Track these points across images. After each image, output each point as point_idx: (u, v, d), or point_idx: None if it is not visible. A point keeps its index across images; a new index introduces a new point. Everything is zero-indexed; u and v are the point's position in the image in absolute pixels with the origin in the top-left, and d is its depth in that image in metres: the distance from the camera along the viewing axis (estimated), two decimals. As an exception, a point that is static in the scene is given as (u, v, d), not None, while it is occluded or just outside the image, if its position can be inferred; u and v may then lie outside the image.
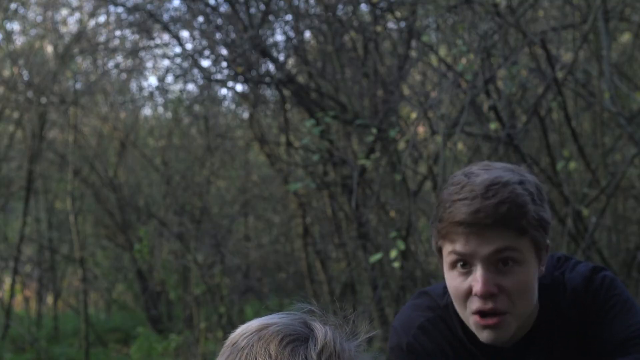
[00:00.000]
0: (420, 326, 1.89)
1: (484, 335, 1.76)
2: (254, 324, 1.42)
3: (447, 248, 1.77)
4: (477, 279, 1.72)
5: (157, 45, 9.95)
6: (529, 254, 1.75)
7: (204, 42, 7.22)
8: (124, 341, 11.79)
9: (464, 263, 1.75)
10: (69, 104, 10.63)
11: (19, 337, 11.44)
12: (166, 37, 9.50)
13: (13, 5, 10.85)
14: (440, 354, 1.88)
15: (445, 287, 1.90)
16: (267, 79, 6.56)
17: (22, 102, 10.82)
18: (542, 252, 1.79)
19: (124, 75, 11.89)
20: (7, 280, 12.62)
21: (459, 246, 1.74)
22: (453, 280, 1.78)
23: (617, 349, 1.78)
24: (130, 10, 8.23)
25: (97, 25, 10.73)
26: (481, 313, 1.74)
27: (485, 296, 1.72)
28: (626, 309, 1.82)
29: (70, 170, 10.95)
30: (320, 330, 1.42)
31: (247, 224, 10.69)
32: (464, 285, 1.75)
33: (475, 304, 1.74)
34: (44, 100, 10.69)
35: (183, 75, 9.04)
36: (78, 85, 11.12)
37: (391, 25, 6.62)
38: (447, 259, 1.78)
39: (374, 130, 5.53)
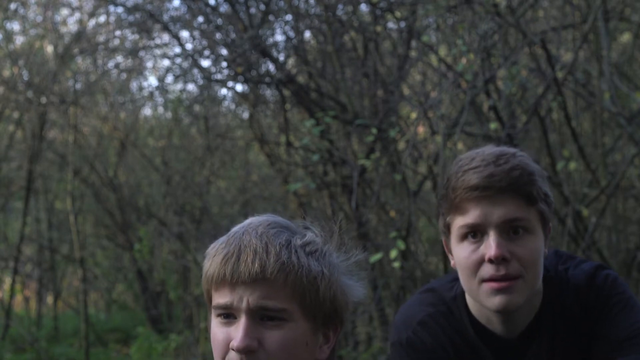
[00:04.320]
0: (420, 321, 1.91)
1: (496, 302, 1.77)
2: (248, 219, 1.55)
3: (457, 222, 1.80)
4: (490, 245, 1.76)
5: (157, 45, 9.95)
6: (537, 225, 1.80)
7: (204, 42, 7.22)
8: (124, 341, 11.79)
9: (475, 233, 1.78)
10: (69, 104, 10.62)
11: (19, 337, 11.44)
12: (166, 37, 9.51)
13: (13, 5, 10.85)
14: (440, 349, 1.89)
15: (453, 279, 1.92)
16: (267, 79, 6.56)
17: (22, 102, 10.81)
18: (547, 230, 1.83)
19: (124, 75, 11.89)
20: (7, 280, 12.62)
21: (470, 217, 1.77)
22: (463, 252, 1.80)
23: (619, 347, 1.80)
24: (130, 10, 8.23)
25: (97, 25, 10.73)
26: (494, 279, 1.76)
27: (498, 260, 1.75)
28: (629, 308, 1.83)
29: (70, 170, 10.95)
30: (310, 233, 1.53)
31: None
32: (475, 255, 1.78)
33: (487, 270, 1.77)
34: (44, 100, 10.69)
35: (183, 75, 9.04)
36: (78, 85, 11.12)
37: (391, 25, 6.62)
38: (457, 232, 1.81)
39: (374, 130, 5.53)
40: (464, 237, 1.80)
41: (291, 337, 1.46)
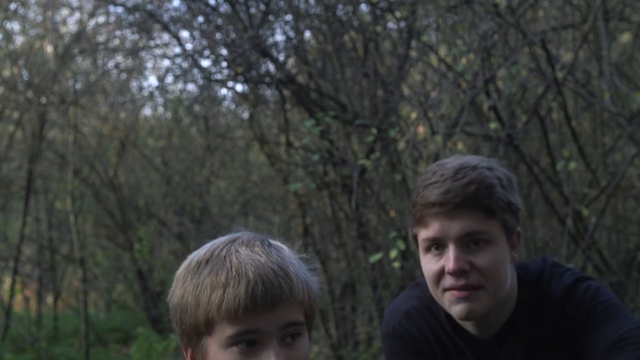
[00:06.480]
0: (405, 313, 1.99)
1: (457, 310, 1.83)
2: (219, 240, 1.53)
3: (421, 235, 1.86)
4: (449, 258, 1.81)
5: (157, 45, 9.96)
6: (499, 235, 1.83)
7: (204, 42, 7.22)
8: (124, 341, 11.79)
9: (437, 246, 1.84)
10: (69, 104, 10.63)
11: (19, 337, 11.44)
12: (166, 37, 9.52)
13: (13, 5, 10.85)
14: (424, 340, 1.97)
15: None
16: (267, 79, 6.56)
17: (22, 102, 10.82)
18: (513, 237, 1.87)
19: (124, 75, 11.89)
20: (7, 280, 12.62)
21: (432, 230, 1.83)
22: (427, 263, 1.86)
23: (609, 351, 1.80)
24: (130, 10, 8.24)
25: (97, 25, 10.74)
26: (454, 288, 1.82)
27: (457, 273, 1.80)
28: (614, 314, 1.85)
29: (70, 170, 10.95)
30: (277, 242, 1.56)
31: (247, 224, 10.69)
32: (436, 266, 1.84)
33: (448, 281, 1.83)
34: (44, 100, 10.69)
35: (183, 75, 9.05)
36: (78, 85, 11.13)
37: (391, 25, 6.62)
38: (422, 244, 1.87)
39: (374, 130, 5.53)
40: (427, 249, 1.86)
41: (306, 350, 1.50)
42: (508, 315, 1.90)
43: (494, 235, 1.82)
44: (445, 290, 1.83)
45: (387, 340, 2.01)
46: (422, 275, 1.96)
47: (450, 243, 1.81)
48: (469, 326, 1.92)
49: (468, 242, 1.81)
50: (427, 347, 1.96)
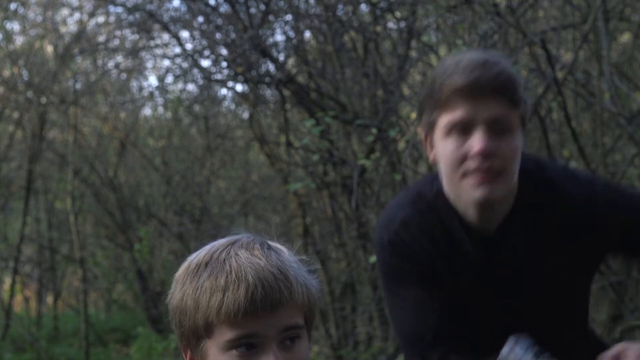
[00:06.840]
0: (401, 222, 1.99)
1: (477, 193, 1.84)
2: (218, 242, 1.51)
3: (443, 119, 1.87)
4: (478, 140, 1.84)
5: (157, 45, 9.95)
6: (518, 126, 1.90)
7: (204, 42, 7.22)
8: (124, 341, 11.79)
9: (462, 129, 1.86)
10: (69, 104, 10.63)
11: (19, 337, 11.44)
12: (166, 37, 9.51)
13: (13, 5, 10.85)
14: (420, 247, 1.97)
15: (433, 177, 2.01)
16: (267, 79, 6.56)
17: (22, 102, 10.82)
18: (523, 133, 1.94)
19: (124, 75, 11.90)
20: (7, 280, 12.62)
21: (459, 113, 1.85)
22: (448, 147, 1.87)
23: None
24: (130, 10, 8.24)
25: (97, 25, 10.74)
26: (479, 170, 1.84)
27: (484, 154, 1.83)
28: (623, 189, 1.99)
29: (70, 170, 10.95)
30: (282, 246, 1.55)
31: (247, 224, 10.69)
32: (460, 150, 1.85)
33: (471, 164, 1.84)
34: (44, 100, 10.69)
35: (183, 75, 9.05)
36: (78, 85, 11.13)
37: (391, 25, 6.62)
38: (444, 129, 1.88)
39: (374, 130, 5.53)
40: (449, 133, 1.87)
41: (306, 353, 1.49)
42: (510, 208, 1.93)
43: (515, 125, 1.88)
44: (465, 174, 1.85)
45: (381, 250, 2.02)
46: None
47: (479, 125, 1.84)
48: (472, 220, 1.93)
49: (495, 128, 1.85)
50: (423, 255, 1.97)
